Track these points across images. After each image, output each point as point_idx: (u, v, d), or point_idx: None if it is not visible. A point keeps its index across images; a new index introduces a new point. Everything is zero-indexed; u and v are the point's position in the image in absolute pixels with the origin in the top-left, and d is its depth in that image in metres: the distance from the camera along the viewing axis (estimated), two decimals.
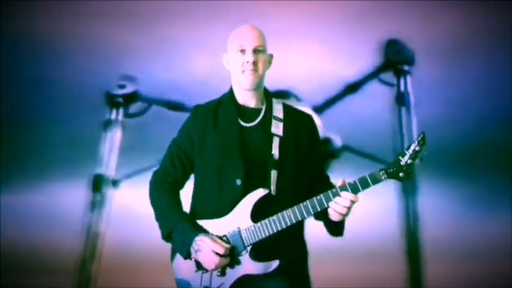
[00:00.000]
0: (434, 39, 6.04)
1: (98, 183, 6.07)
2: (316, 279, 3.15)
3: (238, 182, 2.92)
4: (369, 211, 5.56)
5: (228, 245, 2.93)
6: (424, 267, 5.83)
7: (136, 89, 6.16)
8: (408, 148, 2.75)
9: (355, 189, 2.84)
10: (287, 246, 2.97)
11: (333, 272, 5.60)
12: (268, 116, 3.00)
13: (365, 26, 6.07)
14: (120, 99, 6.14)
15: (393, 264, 5.81)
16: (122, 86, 6.16)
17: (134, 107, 6.15)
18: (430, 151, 2.67)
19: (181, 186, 3.13)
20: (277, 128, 2.97)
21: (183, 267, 3.04)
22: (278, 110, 3.02)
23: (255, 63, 2.94)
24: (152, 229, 6.04)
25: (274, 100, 3.04)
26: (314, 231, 3.16)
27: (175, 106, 6.14)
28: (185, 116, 6.13)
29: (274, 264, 2.91)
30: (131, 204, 6.01)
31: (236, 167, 2.92)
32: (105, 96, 6.09)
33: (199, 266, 3.00)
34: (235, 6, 5.95)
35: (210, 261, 2.91)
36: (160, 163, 3.15)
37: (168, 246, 3.06)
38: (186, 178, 3.12)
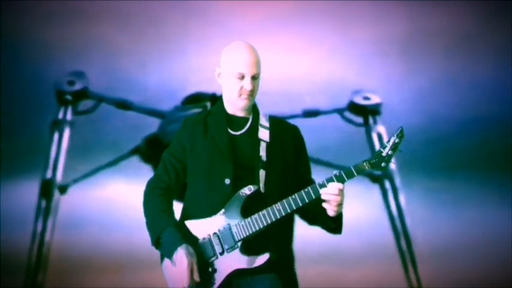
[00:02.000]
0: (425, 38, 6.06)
1: (47, 189, 5.86)
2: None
3: (227, 181, 3.06)
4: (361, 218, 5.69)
5: (197, 279, 2.99)
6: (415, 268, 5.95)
7: (86, 85, 5.96)
8: (388, 141, 3.01)
9: (340, 179, 2.97)
10: (276, 241, 3.08)
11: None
12: (255, 124, 3.19)
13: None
14: (69, 97, 5.93)
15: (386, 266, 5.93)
16: (71, 83, 5.96)
17: (83, 105, 5.96)
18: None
19: (175, 192, 3.20)
20: (264, 134, 3.16)
21: (174, 268, 3.07)
22: (264, 120, 3.21)
23: (252, 90, 3.12)
24: (102, 236, 6.00)
25: (260, 111, 3.23)
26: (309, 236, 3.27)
27: (123, 105, 6.02)
28: (134, 115, 6.13)
29: (264, 257, 3.01)
30: (81, 211, 5.90)
31: (225, 168, 3.09)
32: (55, 94, 5.93)
33: None
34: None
35: (175, 281, 3.02)
36: (155, 171, 3.25)
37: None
38: (180, 183, 3.22)
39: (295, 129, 3.24)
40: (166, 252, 3.04)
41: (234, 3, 6.01)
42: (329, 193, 2.94)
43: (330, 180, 2.96)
